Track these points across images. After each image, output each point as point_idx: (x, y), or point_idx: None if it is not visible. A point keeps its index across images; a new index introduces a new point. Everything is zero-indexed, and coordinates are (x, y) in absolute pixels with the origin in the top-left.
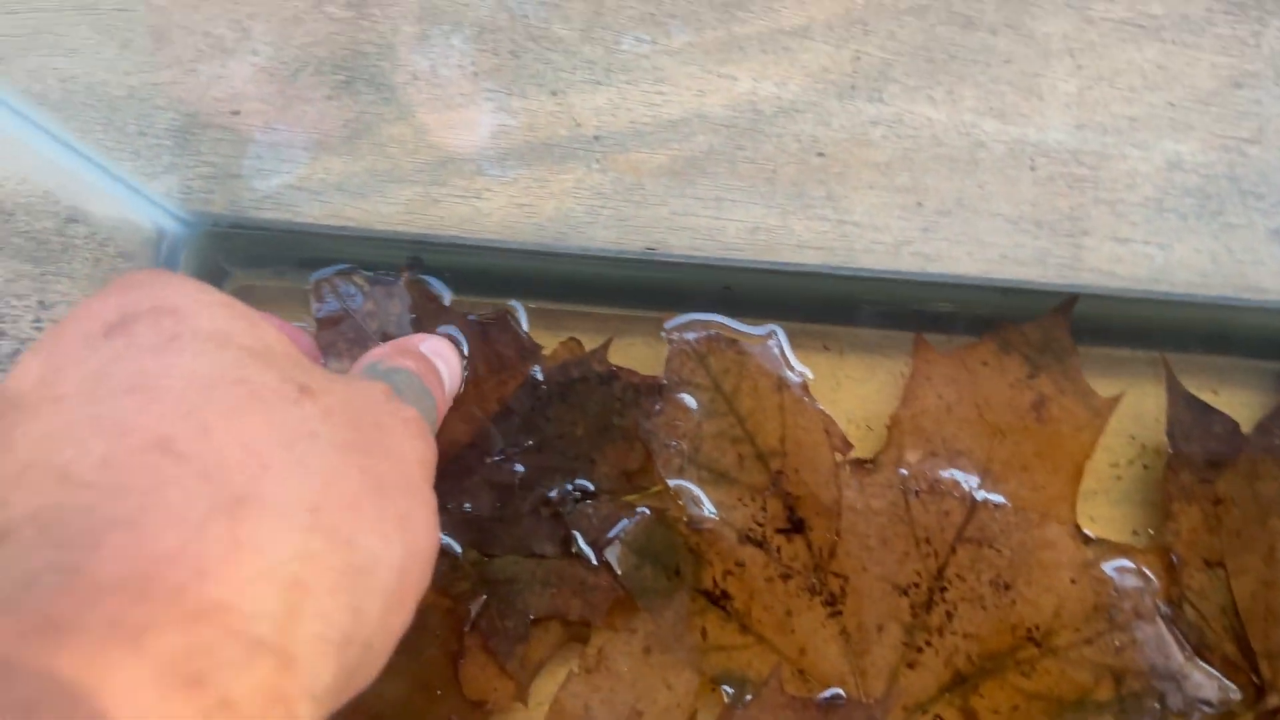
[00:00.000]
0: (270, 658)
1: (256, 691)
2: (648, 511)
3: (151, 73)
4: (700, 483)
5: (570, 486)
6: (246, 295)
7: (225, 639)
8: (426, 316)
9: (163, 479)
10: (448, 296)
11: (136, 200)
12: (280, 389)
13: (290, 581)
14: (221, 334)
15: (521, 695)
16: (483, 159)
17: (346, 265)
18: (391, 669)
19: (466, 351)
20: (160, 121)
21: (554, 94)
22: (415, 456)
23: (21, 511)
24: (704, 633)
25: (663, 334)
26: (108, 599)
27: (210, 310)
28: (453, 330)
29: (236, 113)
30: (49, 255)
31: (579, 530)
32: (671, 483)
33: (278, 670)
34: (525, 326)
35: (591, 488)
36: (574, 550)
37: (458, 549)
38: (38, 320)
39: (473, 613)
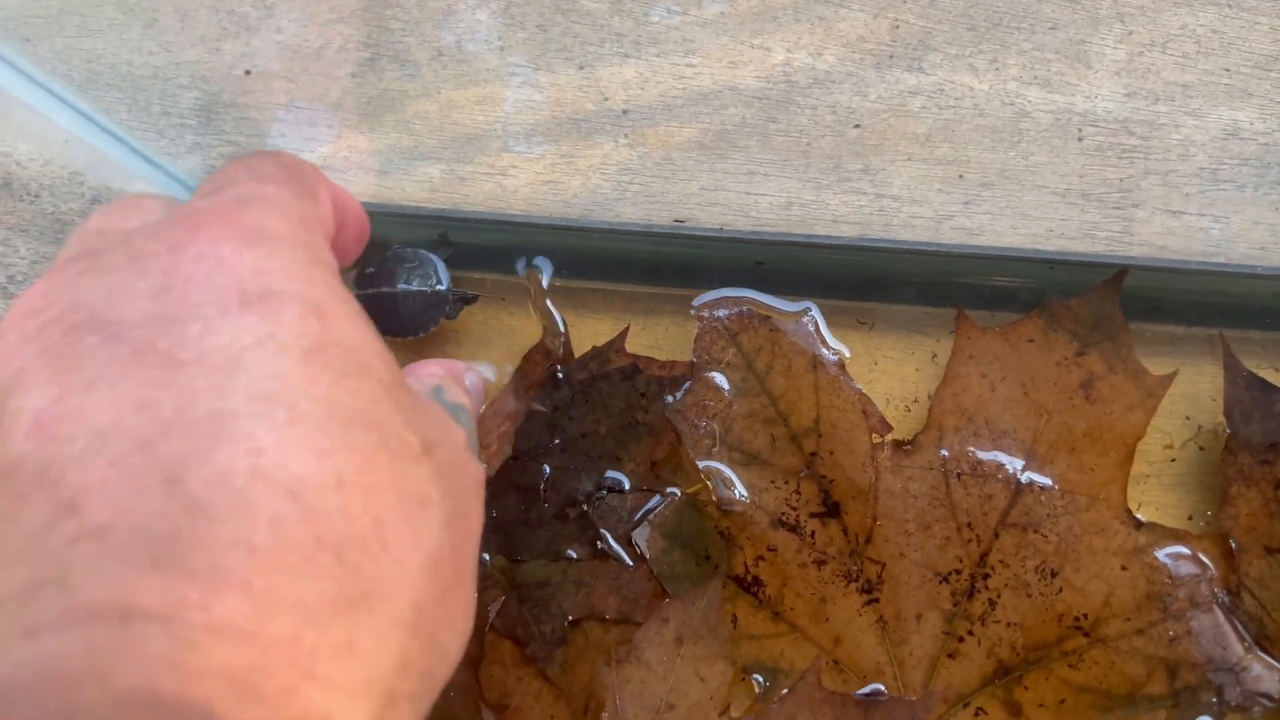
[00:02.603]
0: None
1: None
2: (678, 493)
3: (176, 52)
4: (731, 464)
5: (596, 485)
6: None
7: None
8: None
9: (288, 540)
10: None
11: (162, 180)
12: (406, 440)
13: (385, 697)
14: (363, 357)
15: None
16: (509, 135)
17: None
18: None
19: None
20: (184, 101)
21: (581, 68)
22: (479, 531)
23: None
24: (734, 620)
25: (692, 311)
26: (219, 695)
27: (353, 323)
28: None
29: (248, 72)
30: None
31: (607, 528)
32: (701, 464)
33: None
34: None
35: (623, 482)
36: (601, 548)
37: (485, 556)
38: None
39: (491, 614)
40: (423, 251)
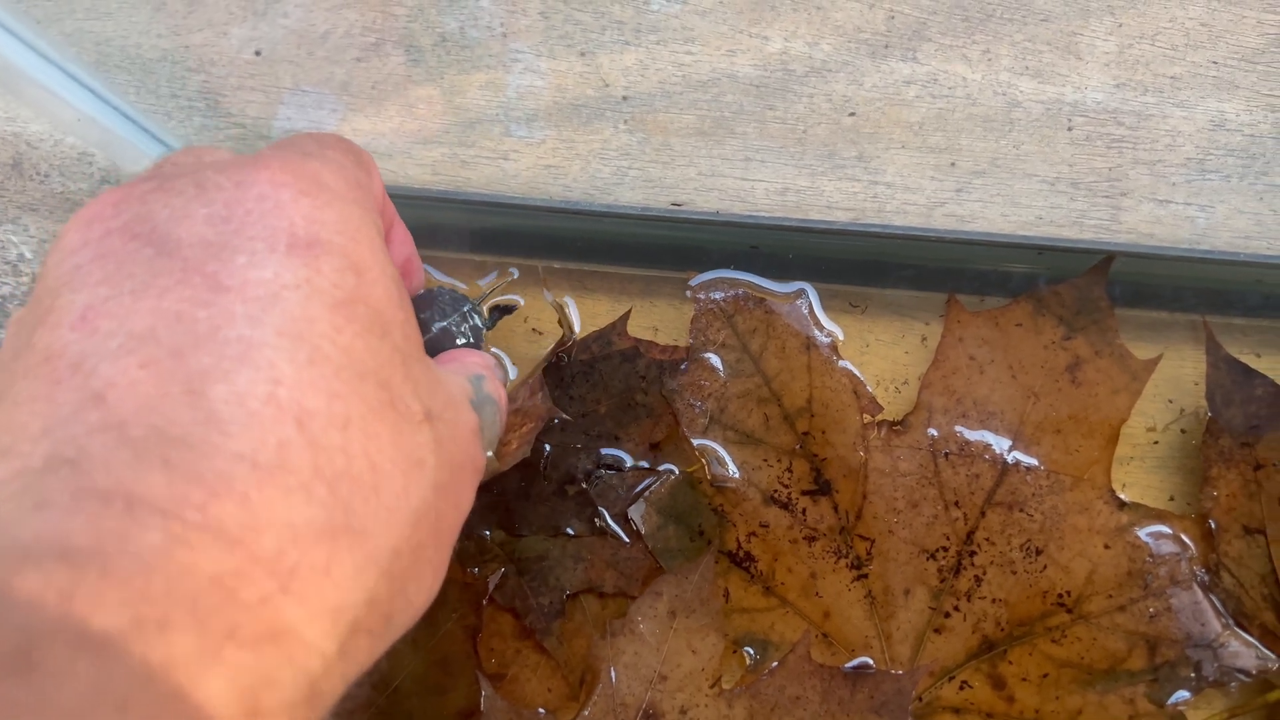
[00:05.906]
0: (319, 708)
1: None
2: (675, 471)
3: (184, 35)
4: (725, 443)
5: (595, 463)
6: None
7: (290, 673)
8: None
9: (289, 464)
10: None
11: None
12: (410, 405)
13: (351, 626)
14: (387, 320)
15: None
16: (510, 120)
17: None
18: (409, 643)
19: None
20: (192, 84)
21: (583, 55)
22: (466, 509)
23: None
24: (726, 594)
25: (688, 292)
26: (203, 592)
27: (385, 287)
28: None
29: (258, 53)
30: None
31: (605, 505)
32: (696, 443)
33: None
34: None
35: (622, 461)
36: (599, 525)
37: (485, 530)
38: None
39: (490, 586)
40: (440, 290)
